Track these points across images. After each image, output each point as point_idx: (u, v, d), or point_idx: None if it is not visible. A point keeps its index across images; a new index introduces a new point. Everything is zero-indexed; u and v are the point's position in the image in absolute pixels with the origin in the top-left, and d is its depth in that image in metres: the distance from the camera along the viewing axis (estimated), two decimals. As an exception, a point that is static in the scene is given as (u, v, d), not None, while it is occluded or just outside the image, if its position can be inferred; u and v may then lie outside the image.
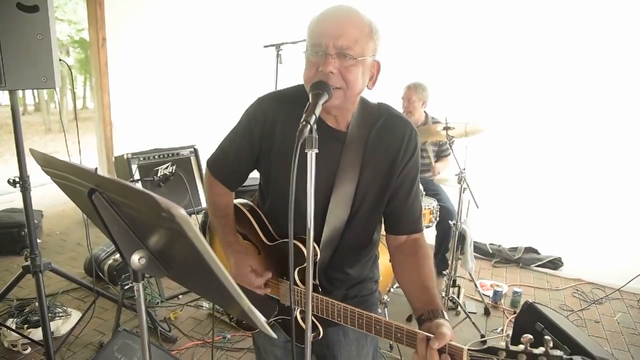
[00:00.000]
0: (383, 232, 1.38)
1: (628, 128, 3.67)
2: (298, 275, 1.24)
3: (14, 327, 2.55)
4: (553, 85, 3.87)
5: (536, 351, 0.85)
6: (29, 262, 2.37)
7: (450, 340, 0.94)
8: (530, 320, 2.33)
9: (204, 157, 1.39)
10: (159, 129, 4.71)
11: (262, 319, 0.75)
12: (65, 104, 11.19)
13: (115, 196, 0.75)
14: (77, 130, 2.43)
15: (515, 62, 3.94)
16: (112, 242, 0.85)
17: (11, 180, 2.26)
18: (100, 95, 4.68)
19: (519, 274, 3.91)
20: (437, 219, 3.15)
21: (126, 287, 2.58)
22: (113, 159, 3.51)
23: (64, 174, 0.85)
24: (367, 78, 1.15)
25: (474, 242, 3.60)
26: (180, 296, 3.23)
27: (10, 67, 1.97)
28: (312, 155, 0.95)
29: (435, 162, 3.60)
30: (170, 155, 3.42)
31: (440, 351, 0.94)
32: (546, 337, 0.84)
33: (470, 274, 3.37)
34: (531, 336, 0.86)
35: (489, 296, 3.39)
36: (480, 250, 4.17)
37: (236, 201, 1.42)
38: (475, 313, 3.19)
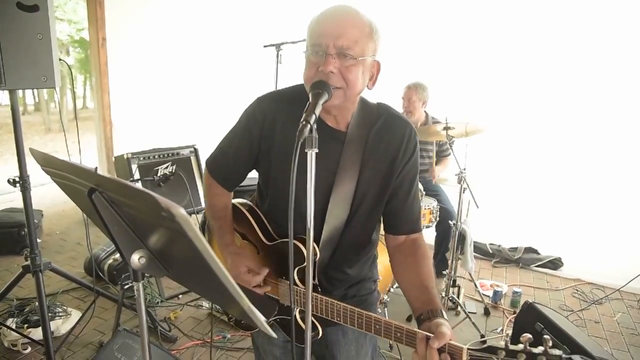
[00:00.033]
0: (382, 232, 1.38)
1: (628, 128, 3.67)
2: (297, 275, 1.24)
3: (14, 327, 2.54)
4: (553, 85, 3.87)
5: (535, 350, 0.85)
6: (29, 262, 2.37)
7: (450, 340, 0.94)
8: (530, 320, 2.33)
9: (204, 156, 1.39)
10: (159, 128, 4.71)
11: (262, 318, 0.75)
12: (65, 104, 11.18)
13: (115, 196, 0.75)
14: (77, 130, 2.43)
15: (515, 62, 3.94)
16: (112, 242, 0.85)
17: (11, 180, 2.26)
18: (100, 95, 4.68)
19: (518, 274, 3.91)
20: (437, 219, 3.15)
21: (126, 286, 2.58)
22: (113, 158, 3.51)
23: (64, 174, 0.85)
24: (367, 78, 1.15)
25: (474, 242, 3.60)
26: (180, 296, 3.23)
27: (10, 66, 1.97)
28: (312, 154, 0.95)
29: (436, 164, 3.60)
30: (170, 155, 3.42)
31: (440, 350, 0.94)
32: (545, 336, 0.84)
33: (470, 274, 3.37)
34: (530, 335, 0.86)
35: (488, 296, 3.39)
36: (480, 250, 4.17)
37: (235, 201, 1.42)
38: (475, 313, 3.19)
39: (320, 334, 1.27)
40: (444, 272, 3.21)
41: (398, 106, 3.45)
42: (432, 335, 0.96)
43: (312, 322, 1.19)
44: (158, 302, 3.10)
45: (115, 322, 2.59)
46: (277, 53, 3.20)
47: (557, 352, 0.84)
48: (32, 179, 2.29)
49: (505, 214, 4.01)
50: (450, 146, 3.04)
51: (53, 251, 4.07)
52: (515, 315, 2.86)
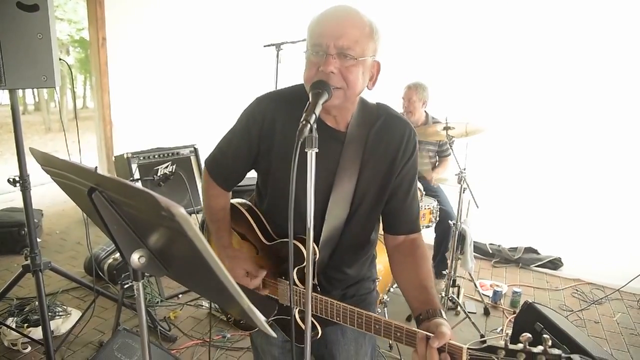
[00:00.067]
0: (381, 231, 1.38)
1: (628, 128, 3.67)
2: (297, 275, 1.24)
3: (14, 326, 2.55)
4: (553, 85, 3.87)
5: (535, 350, 0.86)
6: (29, 261, 2.37)
7: (450, 340, 0.95)
8: (529, 320, 2.33)
9: (204, 156, 1.39)
10: (159, 128, 4.71)
11: (262, 318, 0.75)
12: (65, 103, 11.19)
13: (115, 195, 0.75)
14: (77, 130, 2.43)
15: (516, 62, 3.94)
16: (112, 241, 0.85)
17: (11, 180, 2.26)
18: (100, 94, 4.68)
19: (518, 274, 3.92)
20: (437, 219, 3.15)
21: (126, 286, 2.58)
22: (113, 158, 3.51)
23: (64, 173, 0.85)
24: (367, 78, 1.15)
25: (474, 242, 3.60)
26: (180, 295, 3.23)
27: (10, 66, 1.97)
28: (312, 154, 0.95)
29: (436, 164, 3.61)
30: (170, 154, 3.42)
31: (440, 350, 0.95)
32: (545, 335, 0.85)
33: (470, 274, 3.37)
34: (530, 335, 0.87)
35: (488, 296, 3.39)
36: (480, 250, 4.17)
37: (234, 201, 1.42)
38: (474, 313, 3.19)
39: (320, 334, 1.27)
40: (444, 272, 3.20)
41: (398, 106, 3.45)
42: (432, 335, 0.96)
43: (312, 322, 1.20)
44: (158, 302, 3.10)
45: (115, 322, 2.59)
46: (277, 53, 3.19)
47: (556, 351, 0.84)
48: (32, 178, 2.29)
49: (505, 214, 4.01)
50: (450, 146, 3.04)
51: (53, 251, 4.07)
52: (515, 315, 2.86)
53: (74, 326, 2.70)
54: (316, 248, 1.22)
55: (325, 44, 1.06)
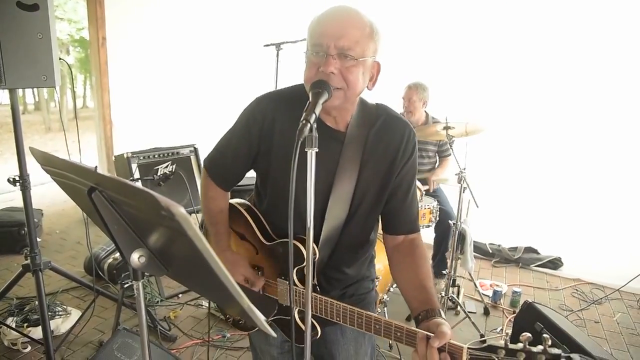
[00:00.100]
0: (381, 231, 1.38)
1: (628, 128, 3.66)
2: (297, 275, 1.24)
3: (13, 326, 2.55)
4: (553, 85, 3.87)
5: (535, 349, 0.86)
6: (28, 261, 2.37)
7: (450, 339, 0.95)
8: (529, 320, 2.33)
9: (204, 156, 1.39)
10: (159, 128, 4.71)
11: (262, 317, 0.75)
12: (65, 103, 11.18)
13: (115, 195, 0.75)
14: (77, 129, 2.43)
15: (516, 62, 3.93)
16: (112, 241, 0.85)
17: (11, 179, 2.26)
18: (100, 94, 4.68)
19: (518, 274, 3.92)
20: (437, 218, 3.15)
21: (126, 285, 2.58)
22: (113, 158, 3.51)
23: (64, 173, 0.85)
24: (367, 79, 1.15)
25: (474, 241, 3.60)
26: (180, 295, 3.23)
27: (10, 65, 1.97)
28: (312, 154, 0.95)
29: (437, 164, 3.61)
30: (170, 154, 3.42)
31: (440, 350, 0.95)
32: (544, 335, 0.85)
33: (469, 274, 3.37)
34: (530, 335, 0.87)
35: (488, 296, 3.39)
36: (480, 250, 4.17)
37: (233, 201, 1.42)
38: (474, 313, 3.19)
39: (319, 334, 1.27)
40: (444, 272, 3.20)
41: (398, 106, 3.45)
42: (432, 334, 0.96)
43: (311, 322, 1.20)
44: (158, 301, 3.10)
45: (115, 321, 2.59)
46: (277, 52, 3.19)
47: (556, 351, 0.84)
48: (32, 178, 2.29)
49: (505, 213, 4.01)
50: (450, 146, 3.04)
51: (53, 250, 4.07)
52: (514, 315, 2.86)
53: (73, 326, 2.70)
54: (316, 248, 1.22)
55: (325, 44, 1.06)
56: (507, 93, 4.00)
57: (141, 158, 3.24)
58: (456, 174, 2.88)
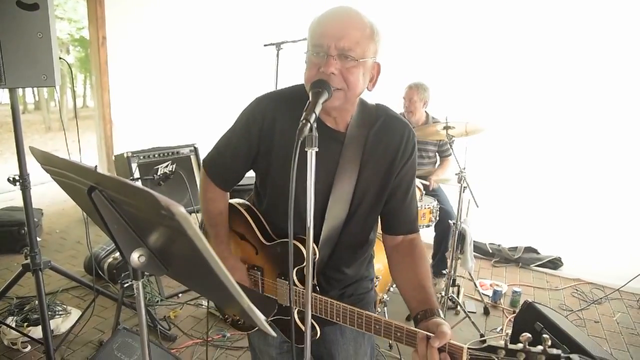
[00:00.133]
0: (380, 231, 1.38)
1: (628, 128, 3.66)
2: (296, 275, 1.24)
3: (13, 326, 2.55)
4: (553, 85, 3.87)
5: (535, 350, 0.86)
6: (28, 261, 2.37)
7: (450, 339, 0.95)
8: (529, 319, 2.33)
9: (204, 155, 1.39)
10: (159, 127, 4.71)
11: (262, 317, 0.75)
12: (65, 103, 11.18)
13: (115, 194, 0.75)
14: (77, 129, 2.43)
15: (516, 62, 3.93)
16: (112, 240, 0.85)
17: (11, 179, 2.25)
18: (100, 93, 4.69)
19: (518, 274, 3.92)
20: (437, 218, 3.15)
21: (126, 285, 2.58)
22: (113, 157, 3.51)
23: (64, 172, 0.85)
24: (367, 79, 1.15)
25: (474, 241, 3.60)
26: (180, 295, 3.23)
27: (10, 65, 1.97)
28: (312, 153, 0.95)
29: (437, 166, 3.61)
30: (170, 153, 3.42)
31: (440, 350, 0.95)
32: (544, 335, 0.85)
33: (469, 274, 3.37)
34: (530, 335, 0.87)
35: (488, 296, 3.39)
36: (480, 250, 4.17)
37: (233, 201, 1.42)
38: (474, 312, 3.19)
39: (319, 334, 1.27)
40: (444, 272, 3.20)
41: (398, 106, 3.45)
42: (433, 334, 0.96)
43: (311, 322, 1.20)
44: (158, 301, 3.10)
45: (115, 321, 2.59)
46: (277, 52, 3.19)
47: (555, 351, 0.84)
48: (32, 177, 2.29)
49: (505, 213, 4.01)
50: (451, 146, 3.04)
51: (53, 250, 4.07)
52: (514, 314, 2.86)
53: (73, 325, 2.70)
54: (316, 248, 1.22)
55: (326, 44, 1.06)
56: (507, 93, 4.00)
57: (141, 157, 3.24)
58: (456, 174, 2.88)
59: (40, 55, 2.04)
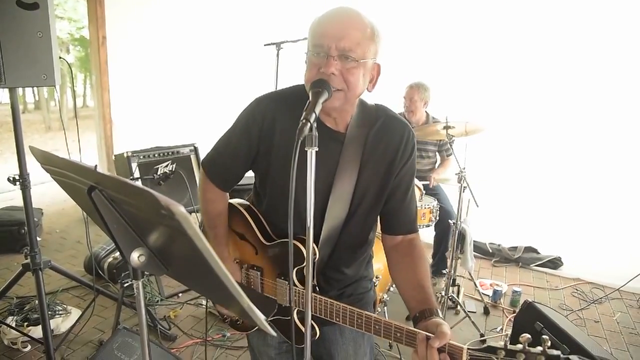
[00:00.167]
0: (379, 231, 1.38)
1: (628, 128, 3.66)
2: (296, 276, 1.24)
3: (13, 325, 2.55)
4: (553, 85, 3.87)
5: (534, 350, 0.86)
6: (28, 260, 2.37)
7: (450, 340, 0.95)
8: (529, 319, 2.32)
9: (204, 155, 1.39)
10: (159, 127, 4.71)
11: (262, 317, 0.75)
12: (65, 102, 11.19)
13: (115, 194, 0.75)
14: (77, 129, 2.43)
15: (516, 61, 3.93)
16: (112, 240, 0.85)
17: (11, 178, 2.25)
18: (100, 93, 4.69)
19: (518, 274, 3.92)
20: (437, 218, 3.15)
21: (126, 285, 2.58)
22: (113, 157, 3.51)
23: (64, 172, 0.85)
24: (367, 80, 1.15)
25: (474, 241, 3.60)
26: (180, 294, 3.23)
27: (10, 64, 1.97)
28: (312, 153, 0.95)
29: (439, 164, 3.61)
30: (170, 153, 3.42)
31: (440, 350, 0.95)
32: (544, 336, 0.85)
33: (469, 273, 3.37)
34: (529, 336, 0.87)
35: (488, 295, 3.39)
36: (480, 250, 4.17)
37: (233, 201, 1.42)
38: (474, 312, 3.19)
39: (318, 335, 1.27)
40: (444, 272, 3.20)
41: (398, 106, 3.45)
42: (432, 335, 0.96)
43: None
44: (158, 301, 3.10)
45: (115, 321, 2.59)
46: (277, 52, 3.19)
47: (555, 352, 0.84)
48: (32, 177, 2.28)
49: (505, 213, 4.01)
50: (451, 145, 3.04)
51: (53, 249, 4.07)
52: (515, 314, 2.86)
53: (73, 325, 2.70)
54: (316, 248, 1.22)
55: (326, 45, 1.06)
56: (507, 93, 4.00)
57: (141, 157, 3.24)
58: (456, 174, 2.89)
59: (40, 54, 2.03)
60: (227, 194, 1.40)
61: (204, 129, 3.60)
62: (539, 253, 4.12)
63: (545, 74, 3.87)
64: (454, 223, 3.00)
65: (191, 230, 0.61)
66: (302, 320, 1.10)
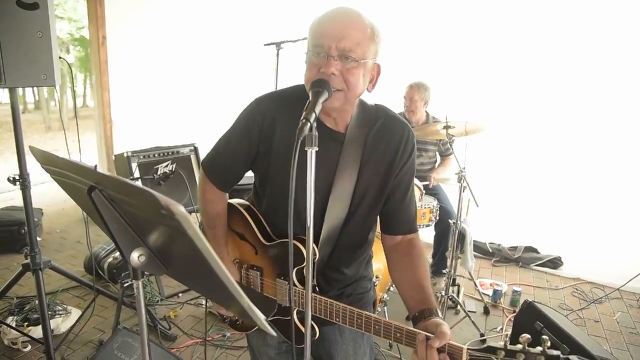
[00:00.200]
0: (379, 231, 1.38)
1: (628, 128, 3.66)
2: (296, 276, 1.24)
3: (14, 325, 2.55)
4: (553, 85, 3.87)
5: (534, 350, 0.86)
6: (28, 260, 2.37)
7: (450, 340, 0.95)
8: (529, 319, 2.33)
9: (204, 155, 1.39)
10: (159, 127, 4.71)
11: (262, 316, 0.75)
12: (65, 102, 11.19)
13: (115, 194, 0.75)
14: (77, 129, 2.43)
15: (516, 61, 3.93)
16: (112, 240, 0.85)
17: (11, 178, 2.25)
18: (100, 93, 4.69)
19: (518, 273, 3.92)
20: (437, 217, 3.15)
21: (126, 285, 2.58)
22: (113, 157, 3.51)
23: (64, 172, 0.85)
24: (367, 80, 1.15)
25: (474, 241, 3.60)
26: (180, 294, 3.23)
27: (10, 64, 1.97)
28: (312, 153, 0.95)
29: (439, 163, 3.61)
30: (170, 153, 3.42)
31: (440, 350, 0.95)
32: (544, 336, 0.85)
33: (469, 273, 3.37)
34: (529, 336, 0.87)
35: (488, 295, 3.39)
36: (480, 249, 4.17)
37: (233, 201, 1.42)
38: (474, 312, 3.19)
39: (318, 335, 1.27)
40: (444, 271, 3.20)
41: (398, 106, 3.45)
42: (432, 335, 0.96)
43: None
44: (158, 301, 3.10)
45: (115, 321, 2.60)
46: (277, 52, 3.19)
47: (555, 352, 0.84)
48: (32, 177, 2.28)
49: (505, 213, 4.01)
50: (451, 145, 3.04)
51: (53, 249, 4.08)
52: (515, 314, 2.86)
53: (74, 325, 2.70)
54: (316, 248, 1.22)
55: (327, 45, 1.06)
56: (507, 93, 4.00)
57: (141, 157, 3.24)
58: (456, 173, 2.89)
59: (40, 54, 2.03)
60: (227, 194, 1.40)
61: (204, 129, 3.60)
62: (539, 253, 4.12)
63: (545, 74, 3.87)
64: (454, 223, 3.00)
65: (191, 230, 0.61)
66: (302, 320, 1.10)
